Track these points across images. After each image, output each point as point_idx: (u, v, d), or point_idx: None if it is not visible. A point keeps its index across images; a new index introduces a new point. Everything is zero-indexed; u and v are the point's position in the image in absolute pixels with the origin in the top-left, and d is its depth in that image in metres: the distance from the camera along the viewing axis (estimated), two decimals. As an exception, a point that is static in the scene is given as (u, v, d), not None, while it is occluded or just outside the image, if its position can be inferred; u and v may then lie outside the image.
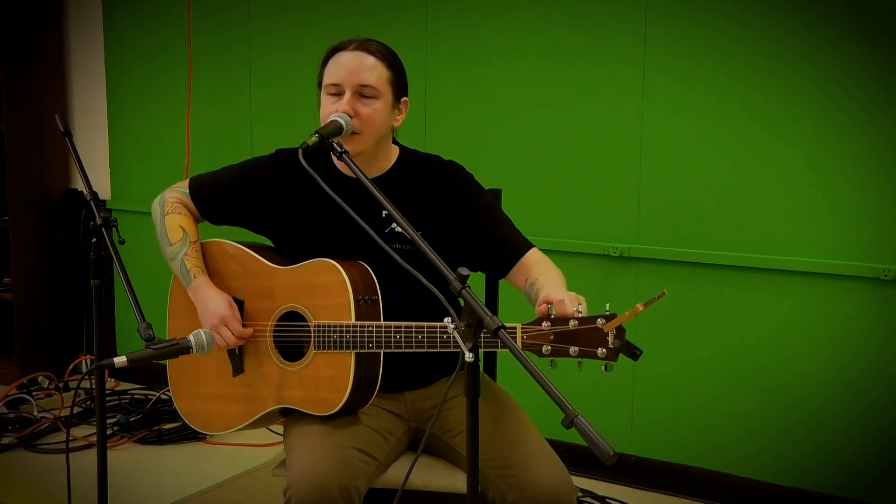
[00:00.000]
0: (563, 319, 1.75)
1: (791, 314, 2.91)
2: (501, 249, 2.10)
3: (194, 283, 2.10)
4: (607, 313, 1.75)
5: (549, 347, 1.76)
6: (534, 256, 2.08)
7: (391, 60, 2.08)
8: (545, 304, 1.79)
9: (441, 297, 1.58)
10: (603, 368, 1.76)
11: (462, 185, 2.13)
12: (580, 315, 1.74)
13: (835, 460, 2.90)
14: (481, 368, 2.24)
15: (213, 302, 2.07)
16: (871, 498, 2.85)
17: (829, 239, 2.84)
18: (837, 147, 2.80)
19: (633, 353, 1.74)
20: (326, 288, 1.99)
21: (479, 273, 2.27)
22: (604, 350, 1.74)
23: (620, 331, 1.74)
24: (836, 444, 2.89)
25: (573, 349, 1.75)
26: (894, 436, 2.81)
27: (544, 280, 1.96)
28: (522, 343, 1.78)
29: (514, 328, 1.78)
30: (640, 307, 1.58)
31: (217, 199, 2.19)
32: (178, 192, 2.22)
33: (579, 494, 3.08)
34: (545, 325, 1.76)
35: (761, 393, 2.98)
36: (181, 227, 2.15)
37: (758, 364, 2.97)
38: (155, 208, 2.22)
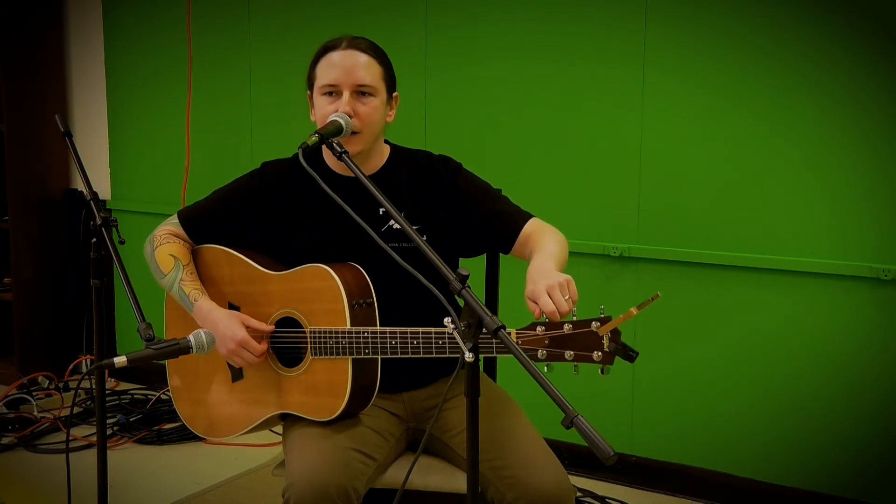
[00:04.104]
0: (558, 323, 1.73)
1: (791, 314, 2.91)
2: (501, 225, 2.10)
3: (196, 306, 2.09)
4: (602, 316, 1.73)
5: (545, 352, 1.74)
6: (532, 226, 2.07)
7: (382, 57, 2.09)
8: (531, 302, 1.77)
9: (440, 296, 1.58)
10: (599, 372, 1.75)
11: (452, 175, 2.14)
12: (566, 312, 1.72)
13: (835, 460, 2.89)
14: (481, 368, 2.24)
15: (223, 324, 2.04)
16: (871, 498, 2.85)
17: (828, 239, 2.84)
18: (838, 147, 2.79)
19: (629, 355, 1.72)
20: (320, 293, 1.99)
21: (481, 270, 2.27)
22: (599, 353, 1.72)
23: (615, 333, 1.72)
24: (836, 444, 2.89)
25: (568, 353, 1.73)
26: (894, 436, 2.81)
27: (534, 260, 1.90)
28: None
29: (509, 333, 1.77)
30: (633, 310, 1.56)
31: (210, 223, 2.19)
32: (167, 225, 2.21)
33: (579, 494, 3.08)
34: (539, 329, 1.74)
35: (761, 393, 2.98)
36: (171, 256, 2.14)
37: (758, 364, 2.97)
38: (146, 247, 2.21)
